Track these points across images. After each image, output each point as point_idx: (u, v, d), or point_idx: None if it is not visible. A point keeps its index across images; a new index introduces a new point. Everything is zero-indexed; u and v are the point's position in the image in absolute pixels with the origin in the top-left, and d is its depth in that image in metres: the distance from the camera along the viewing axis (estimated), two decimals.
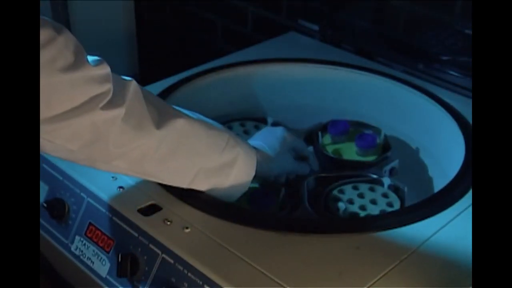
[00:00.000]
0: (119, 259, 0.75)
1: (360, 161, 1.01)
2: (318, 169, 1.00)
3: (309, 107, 1.14)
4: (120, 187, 0.82)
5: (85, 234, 0.82)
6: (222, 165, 0.81)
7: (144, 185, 0.82)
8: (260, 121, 1.10)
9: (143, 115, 0.73)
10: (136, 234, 0.77)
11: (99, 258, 0.80)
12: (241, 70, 1.13)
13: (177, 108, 0.80)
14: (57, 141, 0.68)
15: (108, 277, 0.79)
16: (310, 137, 1.06)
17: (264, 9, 1.48)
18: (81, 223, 0.83)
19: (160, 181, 0.79)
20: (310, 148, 1.01)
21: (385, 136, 1.04)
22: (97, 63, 0.69)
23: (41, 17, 0.63)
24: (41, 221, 0.86)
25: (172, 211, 0.78)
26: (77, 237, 0.83)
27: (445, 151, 0.99)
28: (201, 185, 0.80)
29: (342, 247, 0.73)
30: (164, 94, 1.00)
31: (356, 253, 0.73)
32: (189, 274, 0.71)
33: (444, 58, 1.14)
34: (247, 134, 1.07)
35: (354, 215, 0.88)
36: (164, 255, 0.74)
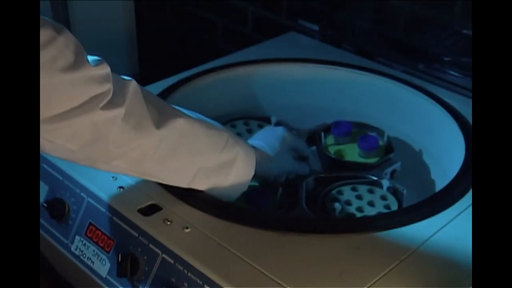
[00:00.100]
0: (119, 259, 0.75)
1: (361, 163, 1.00)
2: (320, 170, 1.00)
3: (309, 107, 1.14)
4: (120, 187, 0.82)
5: (85, 234, 0.82)
6: (222, 164, 0.81)
7: (144, 185, 0.82)
8: (264, 121, 1.10)
9: (143, 115, 0.73)
10: (136, 234, 0.77)
11: (99, 258, 0.80)
12: (241, 70, 1.13)
13: (176, 107, 0.80)
14: (57, 141, 0.68)
15: (108, 277, 0.79)
16: (313, 137, 1.06)
17: (264, 9, 1.48)
18: (81, 223, 0.83)
19: (160, 181, 0.79)
20: (313, 149, 1.01)
21: (388, 138, 1.04)
22: (97, 63, 0.69)
23: (41, 17, 0.63)
24: (41, 221, 0.86)
25: (172, 211, 0.78)
26: (77, 237, 0.83)
27: (445, 151, 0.99)
28: (201, 185, 0.80)
29: (342, 247, 0.73)
30: (164, 94, 1.00)
31: (356, 253, 0.73)
32: (189, 274, 0.71)
33: (444, 58, 1.14)
34: (250, 133, 1.07)
35: (350, 216, 0.88)
36: (164, 255, 0.74)
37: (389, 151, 1.01)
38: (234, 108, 1.12)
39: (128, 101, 0.72)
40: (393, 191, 0.92)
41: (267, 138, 0.92)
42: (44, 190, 0.88)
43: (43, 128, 0.66)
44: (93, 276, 0.80)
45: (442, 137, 1.00)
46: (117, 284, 0.77)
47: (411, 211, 0.81)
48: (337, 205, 0.89)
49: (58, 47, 0.65)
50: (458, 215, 0.79)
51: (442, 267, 0.72)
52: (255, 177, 0.85)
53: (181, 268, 0.72)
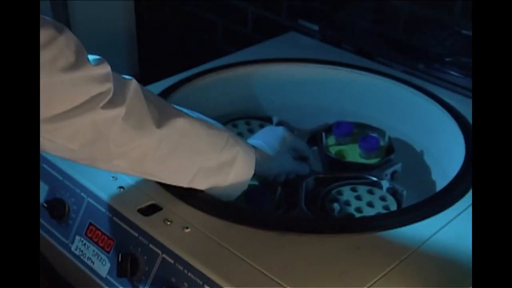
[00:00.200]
0: (119, 259, 0.75)
1: (362, 164, 1.00)
2: (321, 170, 1.00)
3: (309, 107, 1.14)
4: (120, 187, 0.82)
5: (85, 234, 0.82)
6: (222, 164, 0.81)
7: (144, 185, 0.82)
8: (265, 120, 1.10)
9: (143, 114, 0.73)
10: (136, 234, 0.77)
11: (99, 258, 0.80)
12: (241, 70, 1.13)
13: (177, 107, 0.80)
14: (58, 140, 0.68)
15: (108, 277, 0.79)
16: (314, 137, 1.06)
17: (264, 9, 1.48)
18: (81, 223, 0.83)
19: (160, 180, 0.79)
20: (314, 149, 1.01)
21: (389, 138, 1.04)
22: (97, 63, 0.69)
23: (43, 17, 0.63)
24: (41, 221, 0.86)
25: (172, 211, 0.78)
26: (77, 237, 0.83)
27: (445, 151, 0.99)
28: (201, 184, 0.80)
29: (342, 247, 0.73)
30: (164, 94, 1.00)
31: (356, 253, 0.73)
32: (189, 274, 0.71)
33: (444, 58, 1.14)
34: (251, 133, 1.06)
35: (349, 216, 0.88)
36: (164, 255, 0.74)
37: (390, 152, 1.01)
38: (234, 108, 1.12)
39: (128, 100, 0.72)
40: (393, 192, 0.92)
41: (267, 137, 0.92)
42: (44, 190, 0.88)
43: (44, 128, 0.66)
44: (93, 276, 0.80)
45: (442, 137, 1.00)
46: (117, 284, 0.77)
47: (411, 211, 0.81)
48: (335, 205, 0.89)
49: (59, 46, 0.65)
50: (458, 215, 0.79)
51: (442, 267, 0.72)
52: (254, 176, 0.85)
53: (181, 268, 0.72)
